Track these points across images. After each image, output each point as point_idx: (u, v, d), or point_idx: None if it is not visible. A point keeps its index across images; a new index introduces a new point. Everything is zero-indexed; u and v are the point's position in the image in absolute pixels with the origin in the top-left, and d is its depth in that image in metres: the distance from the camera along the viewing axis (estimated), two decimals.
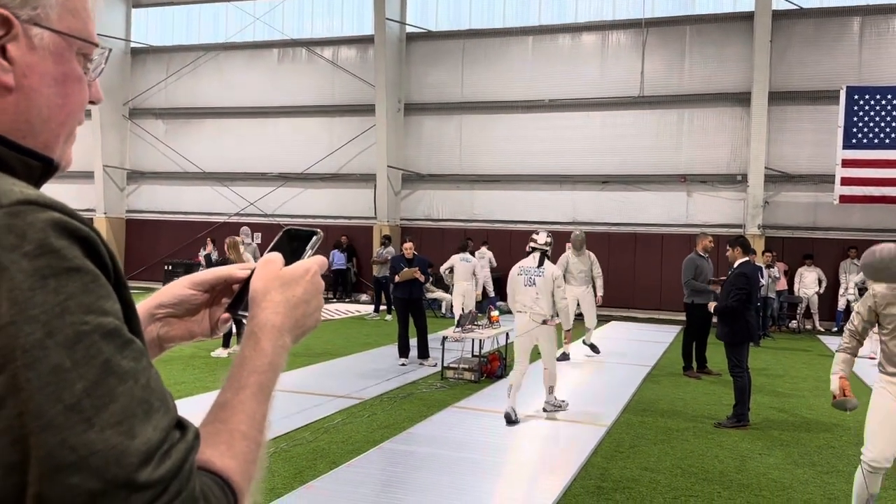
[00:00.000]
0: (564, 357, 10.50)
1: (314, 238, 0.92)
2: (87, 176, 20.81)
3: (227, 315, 0.95)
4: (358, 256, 18.67)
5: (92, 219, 20.30)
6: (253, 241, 12.80)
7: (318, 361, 9.87)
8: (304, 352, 10.61)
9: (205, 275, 0.96)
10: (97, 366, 0.62)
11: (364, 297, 18.17)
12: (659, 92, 16.66)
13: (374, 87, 18.10)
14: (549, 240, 7.14)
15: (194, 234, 20.04)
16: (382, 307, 15.22)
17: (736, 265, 7.29)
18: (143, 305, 0.92)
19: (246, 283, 0.91)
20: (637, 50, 16.83)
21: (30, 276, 0.61)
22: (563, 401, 7.50)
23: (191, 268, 18.83)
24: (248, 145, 19.93)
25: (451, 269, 12.89)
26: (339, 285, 18.02)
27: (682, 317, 16.00)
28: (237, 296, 0.94)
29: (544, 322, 6.93)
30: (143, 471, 0.62)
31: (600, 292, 10.94)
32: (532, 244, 7.14)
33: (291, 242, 0.91)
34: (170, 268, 19.14)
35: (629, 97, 16.84)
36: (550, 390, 7.36)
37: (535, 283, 6.93)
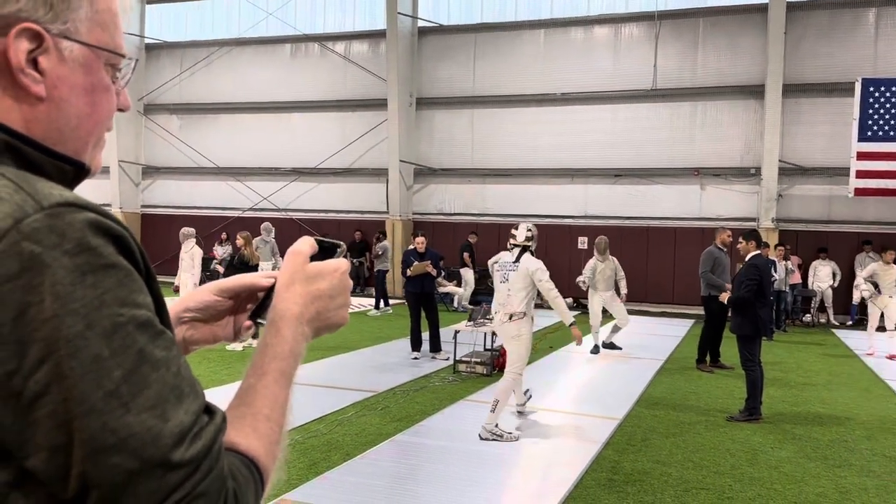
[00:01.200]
0: (596, 350, 10.66)
1: (338, 251, 0.95)
2: (103, 171, 20.95)
3: (249, 323, 0.99)
4: (371, 250, 18.72)
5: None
6: (272, 237, 12.93)
7: (331, 355, 9.94)
8: (318, 345, 10.68)
9: (230, 282, 1.01)
10: (133, 355, 0.67)
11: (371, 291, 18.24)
12: (672, 85, 16.57)
13: (385, 82, 18.13)
14: (529, 234, 6.48)
15: (209, 228, 20.18)
16: (397, 302, 15.34)
17: (748, 258, 7.28)
18: (170, 309, 0.96)
19: (269, 291, 0.95)
20: (650, 42, 16.75)
21: (70, 273, 0.66)
22: (510, 432, 6.16)
23: (206, 262, 18.96)
24: (261, 140, 20.03)
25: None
26: None
27: (695, 310, 16.03)
28: (261, 303, 0.98)
29: (510, 318, 6.24)
30: (177, 451, 0.67)
31: (624, 291, 11.05)
32: (511, 241, 6.55)
33: (316, 253, 0.94)
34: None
35: (642, 90, 16.76)
36: (493, 407, 6.10)
37: (508, 279, 6.33)
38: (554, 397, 7.96)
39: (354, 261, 18.41)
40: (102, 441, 0.64)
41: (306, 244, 0.92)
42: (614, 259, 10.95)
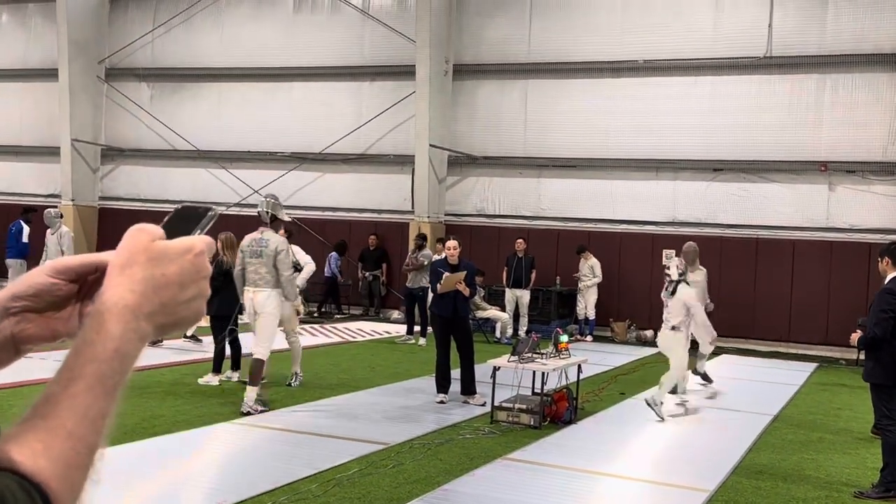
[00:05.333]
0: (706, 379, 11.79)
1: (209, 214, 0.96)
2: (52, 153, 21.50)
3: (91, 309, 0.98)
4: (389, 261, 18.80)
5: (57, 206, 21.01)
6: (60, 226, 13.89)
7: (331, 395, 9.97)
8: (315, 382, 10.73)
9: (70, 261, 1.00)
10: None
11: (396, 313, 18.31)
12: (793, 51, 16.36)
13: (414, 44, 18.25)
14: (681, 269, 9.87)
15: None
16: (417, 328, 15.34)
17: (886, 281, 7.15)
18: None
19: None
20: None
21: None
22: (661, 403, 9.37)
23: None
24: (253, 117, 20.33)
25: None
26: (328, 297, 18.41)
27: (819, 351, 15.74)
28: None
29: (672, 328, 9.72)
30: None
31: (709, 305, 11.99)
32: (667, 274, 9.99)
33: (182, 222, 0.96)
34: None
35: (752, 58, 16.58)
36: (660, 385, 9.62)
37: (668, 305, 9.90)
38: (625, 459, 7.89)
39: (368, 274, 18.48)
40: None
41: (154, 227, 0.93)
42: (704, 270, 11.82)
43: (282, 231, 9.57)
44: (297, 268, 10.40)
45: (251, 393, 8.66)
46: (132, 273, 0.88)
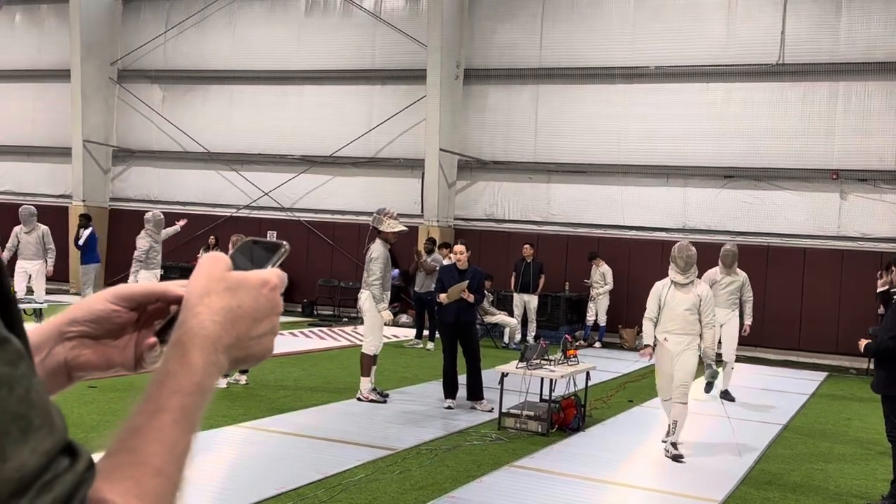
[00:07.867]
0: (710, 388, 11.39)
1: (280, 250, 0.95)
2: (63, 153, 21.59)
3: (153, 340, 0.96)
4: (399, 266, 18.76)
5: (67, 207, 21.12)
6: (34, 225, 14.30)
7: (338, 399, 9.96)
8: (322, 386, 10.72)
9: (133, 288, 0.97)
10: None
11: (405, 317, 18.30)
12: (805, 59, 16.31)
13: (425, 48, 18.25)
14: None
15: (195, 229, 20.51)
16: (426, 332, 15.30)
17: None
18: (52, 321, 0.95)
19: None
20: (777, 2, 16.53)
21: None
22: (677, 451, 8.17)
23: (189, 272, 19.29)
24: (264, 120, 20.37)
25: None
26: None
27: (830, 360, 15.64)
28: (173, 318, 0.95)
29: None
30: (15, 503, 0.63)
31: (749, 318, 11.77)
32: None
33: (248, 256, 0.94)
34: (163, 272, 19.66)
35: (764, 65, 16.53)
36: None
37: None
38: (633, 468, 7.85)
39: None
40: None
41: (225, 257, 0.91)
42: (742, 273, 11.61)
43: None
44: None
45: (363, 383, 9.82)
46: (210, 302, 0.85)
